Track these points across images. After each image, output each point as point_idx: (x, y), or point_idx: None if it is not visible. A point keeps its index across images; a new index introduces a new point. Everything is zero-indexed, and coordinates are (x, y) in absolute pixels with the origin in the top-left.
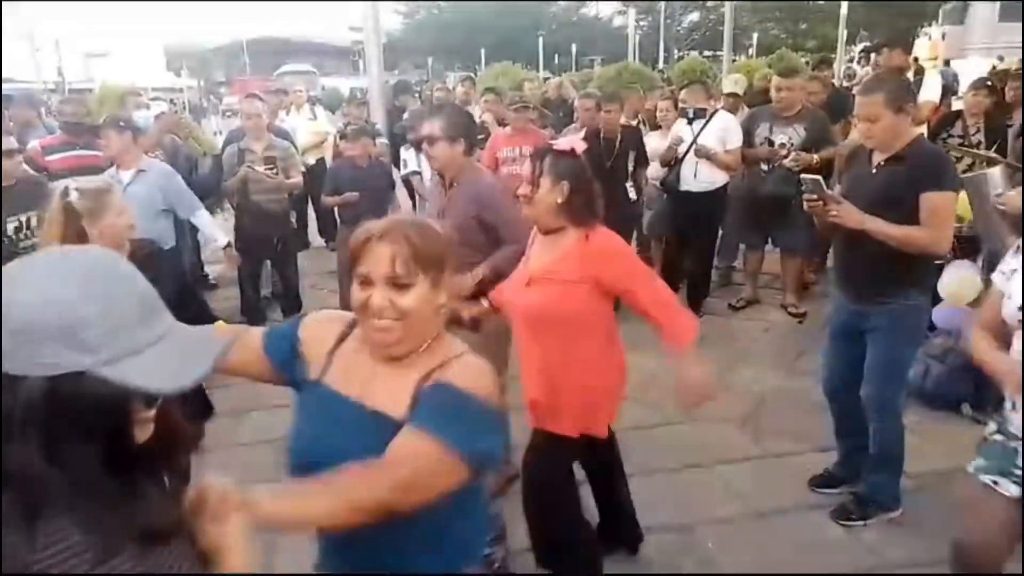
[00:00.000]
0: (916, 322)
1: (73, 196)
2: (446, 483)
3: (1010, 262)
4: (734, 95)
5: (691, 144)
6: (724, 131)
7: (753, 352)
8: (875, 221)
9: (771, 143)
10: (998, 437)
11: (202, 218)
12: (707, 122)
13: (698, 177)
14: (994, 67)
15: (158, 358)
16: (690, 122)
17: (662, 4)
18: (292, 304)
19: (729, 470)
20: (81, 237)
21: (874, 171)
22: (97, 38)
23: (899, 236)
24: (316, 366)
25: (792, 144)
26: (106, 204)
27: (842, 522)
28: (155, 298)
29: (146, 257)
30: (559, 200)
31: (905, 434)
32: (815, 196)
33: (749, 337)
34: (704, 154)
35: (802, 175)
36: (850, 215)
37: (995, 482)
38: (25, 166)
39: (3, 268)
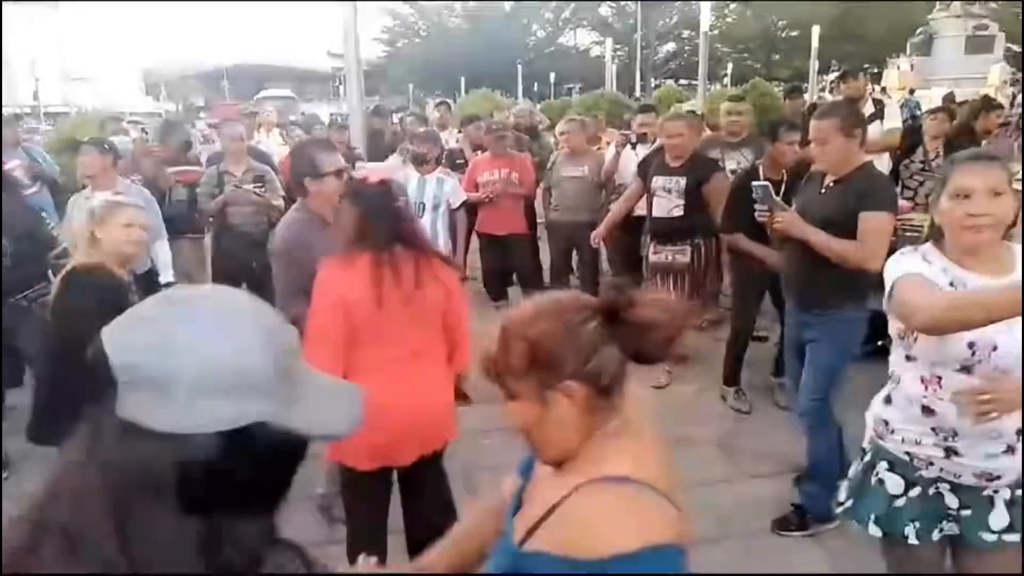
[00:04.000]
0: (850, 336)
1: (95, 203)
2: None
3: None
4: (691, 113)
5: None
6: None
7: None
8: (816, 232)
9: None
10: (914, 491)
11: (160, 249)
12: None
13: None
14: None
15: (317, 403)
16: (634, 147)
17: (638, 34)
18: None
19: (707, 491)
20: (94, 240)
21: (823, 191)
22: (75, 61)
23: (835, 249)
24: None
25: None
26: (114, 215)
27: (782, 533)
28: (297, 343)
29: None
30: (355, 225)
31: None
32: (765, 206)
33: (722, 357)
34: None
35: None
36: (794, 223)
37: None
38: None
39: (143, 312)
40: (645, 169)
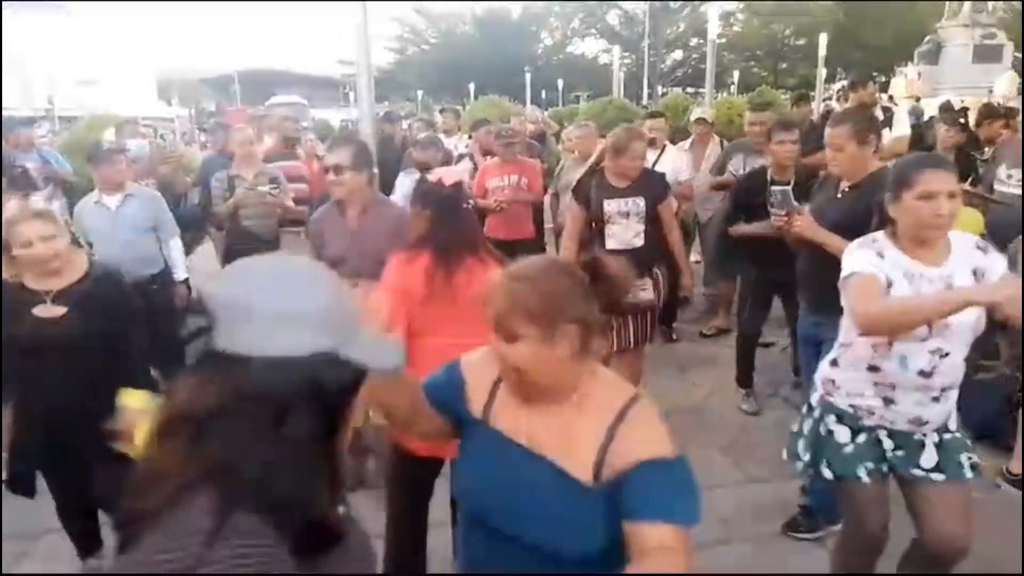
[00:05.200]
0: None
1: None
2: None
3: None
4: (701, 120)
5: None
6: (674, 165)
7: (735, 378)
8: (831, 236)
9: None
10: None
11: (174, 248)
12: (659, 156)
13: None
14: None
15: (369, 343)
16: None
17: (646, 42)
18: None
19: (712, 495)
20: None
21: (839, 196)
22: (88, 66)
23: None
24: (478, 403)
25: None
26: (13, 235)
27: (792, 534)
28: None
29: (99, 281)
30: (424, 226)
31: None
32: (783, 210)
33: (729, 363)
34: None
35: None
36: (810, 226)
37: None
38: None
39: (239, 267)
40: (585, 195)
